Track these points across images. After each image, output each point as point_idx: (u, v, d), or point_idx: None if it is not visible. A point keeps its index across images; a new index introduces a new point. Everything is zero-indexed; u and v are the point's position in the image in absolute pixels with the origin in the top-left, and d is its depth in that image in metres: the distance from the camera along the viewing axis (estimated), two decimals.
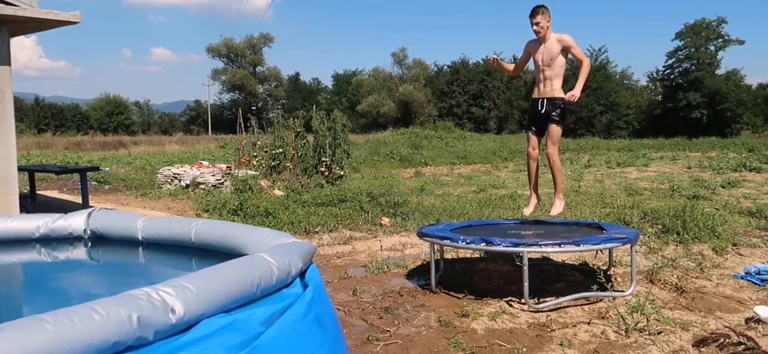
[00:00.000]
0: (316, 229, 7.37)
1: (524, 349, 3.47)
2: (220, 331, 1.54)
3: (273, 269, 1.86)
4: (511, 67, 5.65)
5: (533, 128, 5.08)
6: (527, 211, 5.71)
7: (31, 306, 2.29)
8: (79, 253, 2.97)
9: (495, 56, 5.51)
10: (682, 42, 48.27)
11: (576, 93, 4.91)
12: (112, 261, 3.02)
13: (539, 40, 4.98)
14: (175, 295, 1.50)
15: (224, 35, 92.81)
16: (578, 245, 4.42)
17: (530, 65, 5.44)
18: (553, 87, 4.93)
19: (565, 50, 4.89)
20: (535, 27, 4.94)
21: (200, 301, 1.56)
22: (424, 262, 5.50)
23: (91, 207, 3.31)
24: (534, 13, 4.97)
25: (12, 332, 1.20)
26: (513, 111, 51.75)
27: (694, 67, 47.63)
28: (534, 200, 5.48)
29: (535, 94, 5.06)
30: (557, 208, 5.49)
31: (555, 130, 4.89)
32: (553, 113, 4.88)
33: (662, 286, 4.73)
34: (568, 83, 5.13)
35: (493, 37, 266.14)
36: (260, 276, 1.79)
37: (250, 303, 1.75)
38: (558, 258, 5.56)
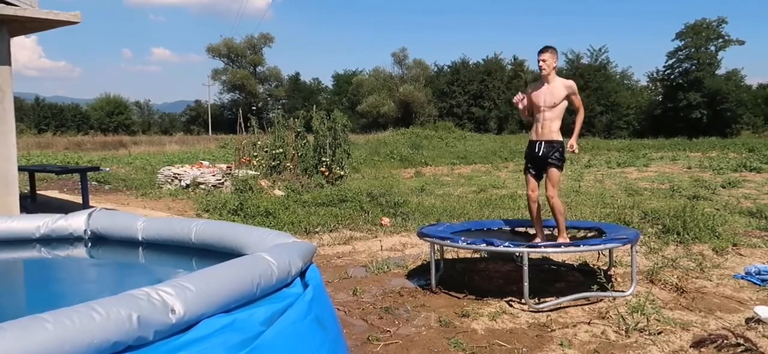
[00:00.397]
0: (317, 229, 7.37)
1: (524, 349, 3.47)
2: (220, 331, 1.54)
3: (273, 269, 1.86)
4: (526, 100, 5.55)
5: (532, 171, 5.04)
6: None
7: (32, 306, 2.29)
8: (80, 253, 2.97)
9: (520, 97, 5.34)
10: (683, 42, 48.24)
11: (574, 143, 4.95)
12: (113, 261, 3.02)
13: (542, 78, 4.96)
14: (175, 295, 1.50)
15: (224, 35, 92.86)
16: (578, 246, 4.43)
17: None
18: (551, 129, 4.88)
19: (568, 96, 4.88)
20: (541, 63, 4.90)
21: (200, 301, 1.56)
22: (425, 262, 5.50)
23: (92, 207, 3.32)
24: (543, 50, 4.94)
25: (13, 332, 1.20)
26: (513, 111, 51.66)
27: (694, 67, 47.60)
28: (538, 240, 5.44)
29: (533, 136, 5.00)
30: None
31: (554, 173, 4.85)
32: (551, 157, 4.84)
33: (662, 286, 4.73)
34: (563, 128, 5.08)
35: (493, 38, 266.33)
36: (260, 276, 1.79)
37: (250, 303, 1.75)
38: (558, 258, 5.56)
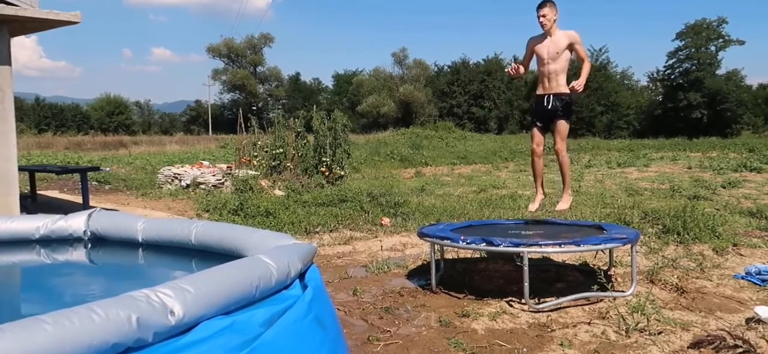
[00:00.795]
0: (317, 229, 7.37)
1: (525, 349, 3.47)
2: (220, 333, 1.54)
3: (272, 271, 1.86)
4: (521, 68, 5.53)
5: (539, 124, 5.02)
6: (533, 207, 5.68)
7: (31, 307, 2.29)
8: (79, 254, 2.97)
9: (513, 66, 5.30)
10: (683, 42, 48.26)
11: (581, 83, 4.86)
12: (112, 262, 3.02)
13: (544, 33, 4.94)
14: (174, 296, 1.50)
15: (225, 35, 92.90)
16: (579, 245, 4.42)
17: (533, 64, 5.39)
18: (558, 82, 4.88)
19: (571, 46, 4.87)
20: (541, 19, 4.89)
21: (199, 303, 1.56)
22: (425, 262, 5.50)
23: (92, 207, 3.32)
24: (542, 4, 4.92)
25: (12, 333, 1.20)
26: (513, 111, 51.75)
27: (694, 67, 47.62)
28: (540, 196, 5.45)
29: (540, 91, 5.00)
30: (564, 203, 5.46)
31: (563, 125, 4.84)
32: (560, 108, 4.84)
33: (663, 286, 4.72)
34: (569, 80, 5.10)
35: (494, 37, 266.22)
36: (259, 278, 1.79)
37: (250, 305, 1.75)
38: (558, 258, 5.56)
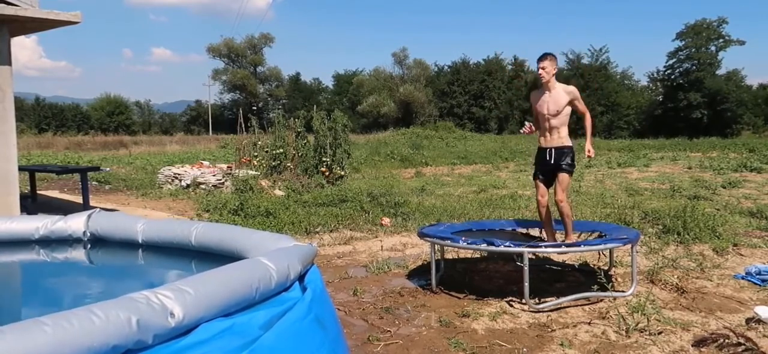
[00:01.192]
0: (317, 229, 7.37)
1: (525, 349, 3.47)
2: (219, 335, 1.54)
3: (272, 273, 1.85)
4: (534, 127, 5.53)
5: (541, 177, 5.05)
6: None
7: (30, 308, 2.29)
8: (79, 255, 2.97)
9: (527, 126, 5.37)
10: (683, 42, 48.21)
11: (590, 148, 5.00)
12: (112, 263, 3.02)
13: (543, 86, 4.95)
14: (174, 298, 1.50)
15: (225, 35, 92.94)
16: (579, 245, 4.42)
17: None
18: (560, 135, 4.89)
19: (571, 102, 4.88)
20: (540, 71, 4.89)
21: (199, 305, 1.55)
22: (425, 263, 5.50)
23: (92, 208, 3.31)
24: (542, 57, 4.93)
25: (12, 335, 1.20)
26: (514, 111, 51.72)
27: (694, 67, 47.57)
28: (552, 241, 5.42)
29: (542, 143, 4.99)
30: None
31: (564, 178, 4.85)
32: (563, 163, 4.85)
33: (663, 286, 4.72)
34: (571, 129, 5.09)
35: (494, 38, 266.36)
36: (259, 280, 1.79)
37: (250, 307, 1.75)
38: (559, 258, 5.56)
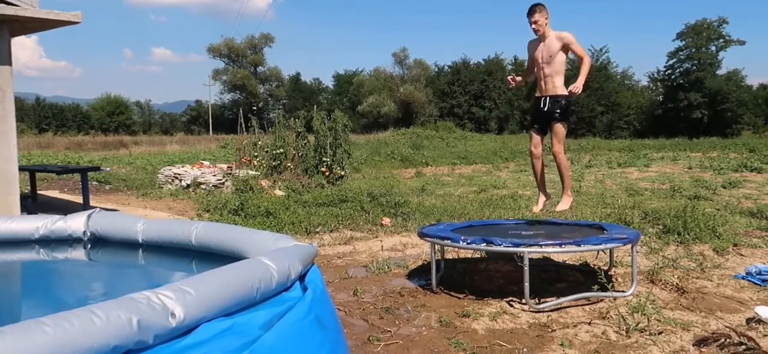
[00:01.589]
0: (317, 230, 7.37)
1: (525, 350, 3.47)
2: (220, 335, 1.54)
3: (273, 273, 1.85)
4: (522, 77, 5.53)
5: (536, 126, 5.03)
6: (536, 208, 5.67)
7: (30, 308, 2.29)
8: (79, 254, 2.97)
9: (511, 77, 5.37)
10: (683, 42, 48.24)
11: (578, 86, 4.83)
12: (112, 263, 3.02)
13: (538, 38, 4.95)
14: (175, 298, 1.50)
15: (225, 35, 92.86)
16: (579, 245, 4.42)
17: None
18: (554, 84, 4.87)
19: (565, 48, 4.85)
20: (533, 26, 4.89)
21: (200, 305, 1.55)
22: (425, 263, 5.50)
23: (92, 208, 3.31)
24: (531, 11, 4.90)
25: (12, 335, 1.20)
26: (514, 111, 51.76)
27: (695, 67, 47.60)
28: (542, 198, 5.44)
29: (538, 93, 5.01)
30: (564, 204, 5.45)
31: (559, 128, 4.84)
32: (557, 111, 4.83)
33: (663, 286, 4.72)
34: (569, 82, 5.10)
35: (494, 37, 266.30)
36: (260, 280, 1.79)
37: (250, 306, 1.75)
38: (559, 258, 5.56)
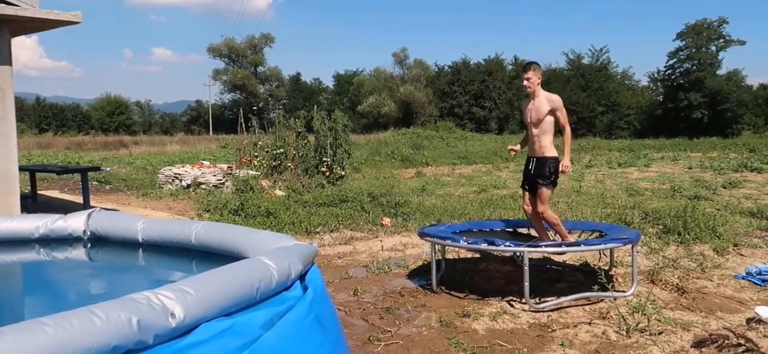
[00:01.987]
0: (317, 230, 7.37)
1: (525, 350, 3.47)
2: (220, 335, 1.54)
3: (273, 273, 1.85)
4: (521, 145, 5.52)
5: (526, 186, 5.05)
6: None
7: (30, 308, 2.29)
8: (79, 254, 2.97)
9: (510, 147, 5.43)
10: (683, 42, 48.19)
11: (567, 164, 4.93)
12: (112, 262, 3.02)
13: (529, 96, 4.94)
14: (175, 298, 1.50)
15: (225, 35, 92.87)
16: (579, 246, 4.42)
17: None
18: (541, 144, 4.85)
19: (552, 111, 4.84)
20: (525, 82, 4.88)
21: (200, 305, 1.55)
22: (425, 263, 5.50)
23: (92, 207, 3.31)
24: (526, 68, 4.93)
25: (12, 335, 1.20)
26: (514, 111, 51.69)
27: (695, 67, 47.55)
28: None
29: (528, 151, 5.02)
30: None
31: (543, 192, 4.81)
32: (540, 178, 4.82)
33: (663, 286, 4.72)
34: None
35: (494, 37, 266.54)
36: (260, 279, 1.79)
37: (250, 306, 1.75)
38: (559, 258, 5.56)
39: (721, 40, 47.63)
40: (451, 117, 50.45)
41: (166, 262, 2.83)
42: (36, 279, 2.78)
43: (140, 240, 2.85)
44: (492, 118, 52.15)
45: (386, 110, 53.98)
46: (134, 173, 16.04)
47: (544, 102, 4.82)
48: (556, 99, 4.85)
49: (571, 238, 4.97)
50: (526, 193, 5.06)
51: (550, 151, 4.86)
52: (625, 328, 3.71)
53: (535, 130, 4.88)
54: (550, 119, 4.84)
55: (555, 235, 5.07)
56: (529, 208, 5.04)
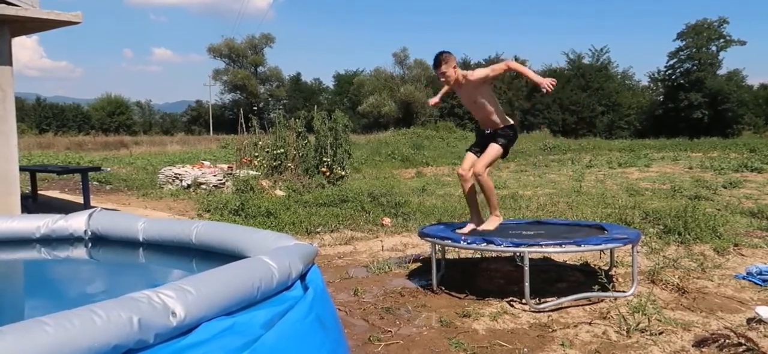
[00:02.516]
0: (318, 230, 7.37)
1: (526, 350, 3.47)
2: (221, 334, 1.54)
3: (273, 272, 1.85)
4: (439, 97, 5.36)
5: (474, 148, 4.85)
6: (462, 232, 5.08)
7: (31, 307, 2.29)
8: (80, 253, 2.97)
9: (430, 100, 5.29)
10: (684, 42, 48.22)
11: (542, 81, 4.49)
12: (113, 262, 3.02)
13: (453, 85, 4.74)
14: (175, 297, 1.50)
15: (225, 35, 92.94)
16: (579, 245, 4.42)
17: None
18: (492, 120, 4.64)
19: (482, 82, 4.64)
20: (442, 78, 4.67)
21: (201, 304, 1.55)
22: (426, 262, 5.50)
23: (93, 207, 3.31)
24: (436, 64, 4.66)
25: (13, 335, 1.20)
26: (514, 111, 51.70)
27: (695, 67, 47.58)
28: (471, 225, 5.02)
29: (484, 129, 4.85)
30: (490, 224, 5.02)
31: (493, 149, 4.62)
32: (500, 136, 4.66)
33: (664, 286, 4.72)
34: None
35: (494, 38, 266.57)
36: (261, 279, 1.79)
37: (251, 306, 1.75)
38: (559, 258, 5.56)
39: (722, 40, 47.66)
40: (452, 117, 50.45)
41: (167, 261, 2.84)
42: (37, 279, 2.79)
43: (141, 239, 2.86)
44: None
45: (386, 110, 54.00)
46: (134, 173, 16.05)
47: (470, 81, 4.65)
48: (477, 71, 4.63)
49: (500, 216, 4.87)
50: (468, 157, 4.84)
51: (504, 121, 4.73)
52: (625, 328, 3.71)
53: (478, 113, 4.74)
54: (486, 92, 4.67)
55: (486, 218, 4.93)
56: (466, 174, 4.78)
